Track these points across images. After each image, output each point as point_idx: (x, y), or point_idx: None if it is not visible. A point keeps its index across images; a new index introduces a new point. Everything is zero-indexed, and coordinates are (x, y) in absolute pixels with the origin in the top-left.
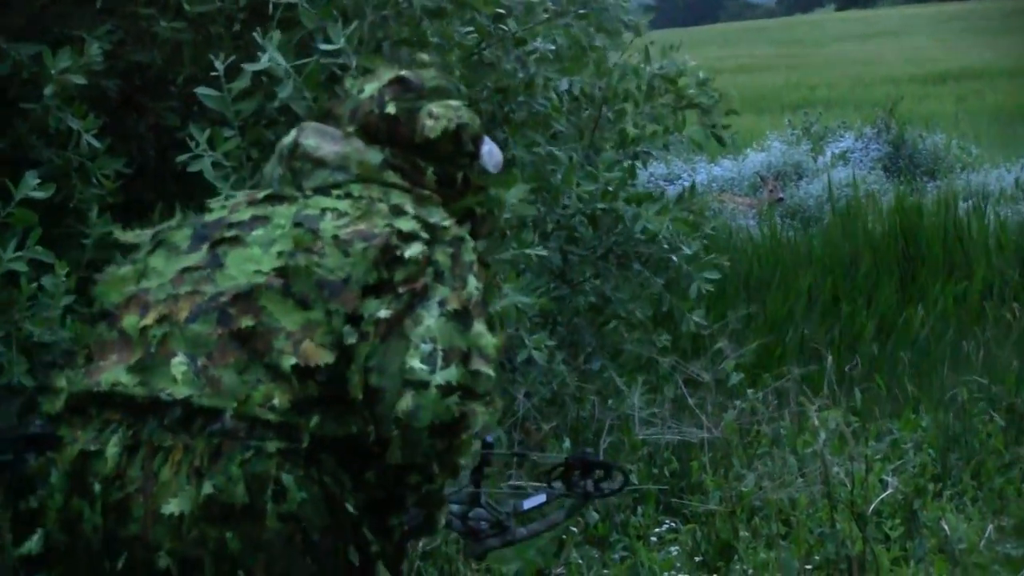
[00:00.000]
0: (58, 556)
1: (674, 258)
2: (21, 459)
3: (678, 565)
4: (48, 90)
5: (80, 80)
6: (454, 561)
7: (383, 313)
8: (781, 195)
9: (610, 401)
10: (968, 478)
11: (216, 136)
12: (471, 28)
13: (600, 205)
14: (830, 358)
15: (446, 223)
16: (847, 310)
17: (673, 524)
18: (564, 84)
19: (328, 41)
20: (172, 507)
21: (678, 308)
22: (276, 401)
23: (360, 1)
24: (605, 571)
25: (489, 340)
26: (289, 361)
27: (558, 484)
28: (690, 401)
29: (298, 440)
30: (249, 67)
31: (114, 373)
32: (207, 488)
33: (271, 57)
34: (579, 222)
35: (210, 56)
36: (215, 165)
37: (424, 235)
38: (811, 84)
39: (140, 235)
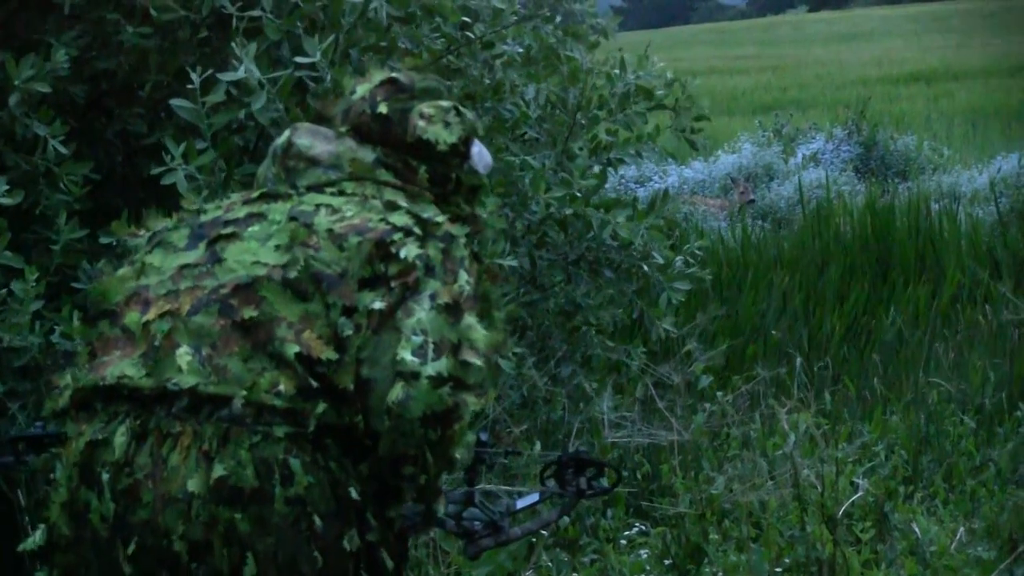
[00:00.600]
0: (63, 549)
1: (644, 267)
2: (21, 461)
3: (647, 568)
4: (13, 99)
5: (45, 88)
6: (423, 564)
7: (377, 305)
8: (752, 197)
9: (581, 404)
10: (940, 480)
11: (190, 149)
12: (438, 34)
13: (569, 210)
14: (799, 360)
15: (439, 219)
16: (817, 312)
17: (643, 527)
18: (531, 91)
19: (300, 53)
20: (183, 490)
21: (648, 315)
22: (282, 387)
23: (335, 11)
24: (574, 574)
25: (479, 333)
26: (292, 349)
27: (551, 483)
28: (660, 404)
29: (304, 426)
30: (225, 77)
31: (120, 367)
32: (218, 471)
33: (247, 68)
34: (549, 227)
35: (181, 64)
36: (189, 178)
37: (417, 230)
38: (783, 86)
39: (137, 238)
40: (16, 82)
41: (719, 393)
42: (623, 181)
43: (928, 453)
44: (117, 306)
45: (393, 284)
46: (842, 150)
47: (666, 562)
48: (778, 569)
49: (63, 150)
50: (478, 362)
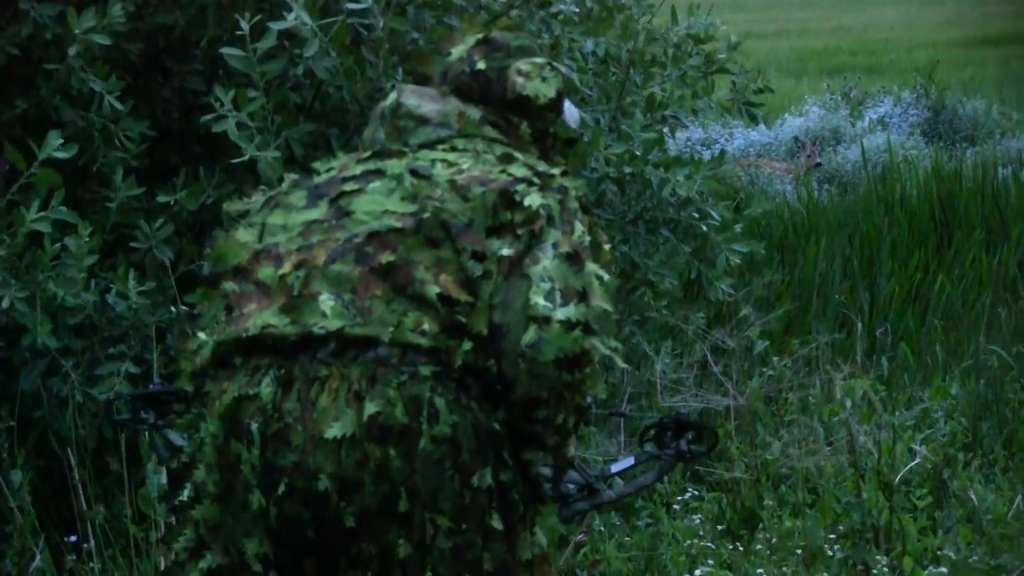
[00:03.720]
0: (211, 503)
1: (703, 226)
2: (138, 418)
3: (701, 533)
4: (72, 50)
5: (104, 40)
6: None
7: (506, 251)
8: (819, 160)
9: (639, 367)
10: (999, 447)
11: (241, 97)
12: None
13: (628, 169)
14: (860, 325)
15: (553, 171)
16: (880, 276)
17: (697, 492)
18: (589, 46)
19: (355, 0)
20: (335, 430)
21: (706, 276)
22: (426, 327)
23: None
24: (627, 539)
25: (601, 280)
26: (434, 290)
27: (649, 445)
28: (715, 368)
29: (449, 364)
30: (275, 26)
31: (262, 317)
32: (370, 409)
33: (297, 16)
34: (607, 186)
35: (235, 16)
36: (240, 126)
37: (536, 180)
38: (851, 48)
39: (250, 202)
40: (76, 32)
41: (775, 359)
42: (689, 143)
43: (988, 420)
44: (243, 264)
45: (520, 231)
46: (910, 114)
47: (719, 527)
48: (831, 536)
49: (119, 106)
50: (606, 306)
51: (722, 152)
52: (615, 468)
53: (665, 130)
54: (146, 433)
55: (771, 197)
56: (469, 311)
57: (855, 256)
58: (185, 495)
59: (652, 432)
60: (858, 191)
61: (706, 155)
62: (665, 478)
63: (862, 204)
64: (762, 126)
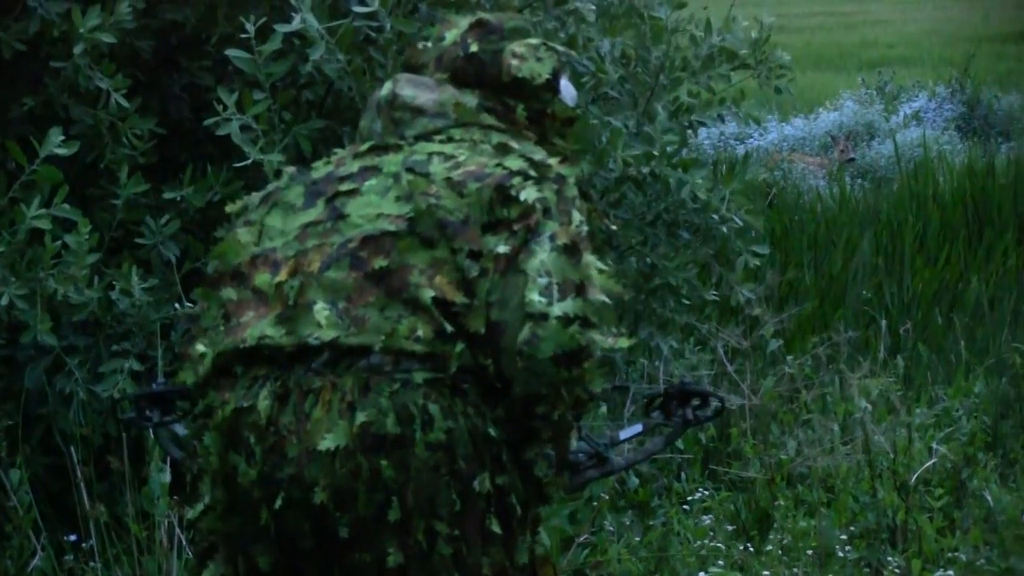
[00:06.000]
0: (217, 516)
1: (723, 229)
2: (144, 417)
3: (712, 533)
4: (78, 48)
5: (110, 38)
6: None
7: (502, 248)
8: (852, 155)
9: (658, 366)
10: (1020, 447)
11: (246, 99)
12: None
13: (645, 169)
14: (884, 322)
15: (549, 160)
16: (907, 273)
17: (710, 492)
18: (606, 45)
19: (362, 3)
20: (328, 442)
21: (727, 280)
22: (420, 332)
23: None
24: (636, 539)
25: (599, 271)
26: (428, 294)
27: (656, 414)
28: (729, 368)
29: (444, 369)
30: (281, 28)
31: (259, 327)
32: (360, 418)
33: (303, 18)
34: (627, 187)
35: (247, 16)
36: (245, 128)
37: (532, 172)
38: (889, 42)
39: (249, 199)
40: (81, 30)
41: (790, 357)
42: (723, 137)
43: (1011, 418)
44: (242, 268)
45: (515, 227)
46: (944, 109)
47: (729, 528)
48: (843, 537)
49: (125, 104)
50: (603, 298)
51: (746, 156)
52: (624, 434)
53: (690, 132)
54: (151, 431)
55: (803, 192)
56: (465, 312)
57: (884, 252)
58: (197, 509)
59: (658, 401)
60: (891, 186)
61: (740, 149)
62: (683, 475)
63: (895, 200)
64: (796, 120)
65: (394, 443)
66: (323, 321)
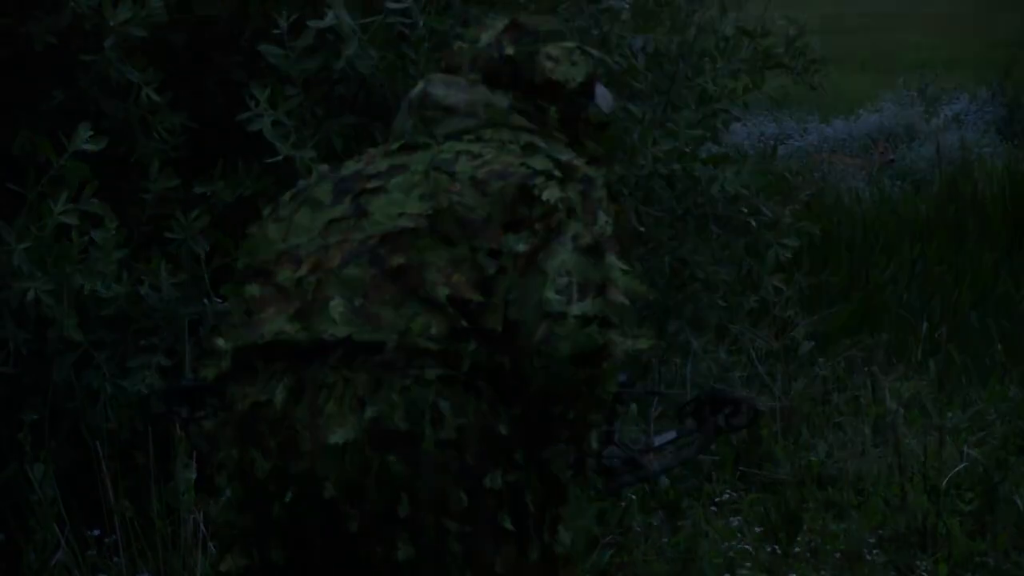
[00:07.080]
0: (235, 509)
1: (752, 222)
2: (173, 412)
3: (739, 535)
4: (108, 42)
5: (141, 32)
6: None
7: (521, 247)
8: (892, 157)
9: (688, 364)
10: None
11: (278, 94)
12: None
13: (676, 166)
14: (925, 324)
15: (577, 162)
16: (947, 276)
17: (739, 493)
18: (638, 42)
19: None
20: (338, 436)
21: (756, 272)
22: (434, 330)
23: None
24: (664, 540)
25: (621, 273)
26: (444, 292)
27: (689, 421)
28: (760, 368)
29: (457, 367)
30: (313, 24)
31: (276, 323)
32: (369, 413)
33: (336, 14)
34: (656, 182)
35: (275, 12)
36: (276, 124)
37: (557, 173)
38: (933, 44)
39: (282, 198)
40: (112, 24)
41: (821, 359)
42: (763, 138)
43: None
44: (268, 264)
45: (537, 227)
46: (985, 111)
47: (757, 529)
48: (871, 540)
49: (156, 98)
50: (623, 300)
51: (775, 148)
52: (659, 441)
53: (718, 125)
54: (179, 427)
55: (842, 193)
56: (481, 311)
57: (923, 255)
58: (220, 503)
59: (691, 407)
60: (931, 189)
61: (781, 151)
62: (713, 476)
63: (934, 202)
64: (837, 121)
65: (403, 439)
66: (338, 317)
